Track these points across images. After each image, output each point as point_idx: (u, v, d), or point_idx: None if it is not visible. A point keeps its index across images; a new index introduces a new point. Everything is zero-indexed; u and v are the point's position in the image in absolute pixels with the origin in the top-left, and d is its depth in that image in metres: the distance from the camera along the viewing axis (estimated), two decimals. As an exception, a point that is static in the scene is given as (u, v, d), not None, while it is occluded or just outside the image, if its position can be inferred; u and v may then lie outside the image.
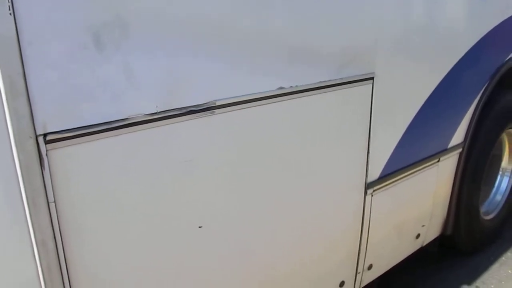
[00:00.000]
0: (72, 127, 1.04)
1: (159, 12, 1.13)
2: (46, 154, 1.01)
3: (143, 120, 1.15)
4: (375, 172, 1.92)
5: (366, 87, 1.74)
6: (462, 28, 2.27)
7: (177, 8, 1.16)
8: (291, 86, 1.46)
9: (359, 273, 2.05)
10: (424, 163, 2.22)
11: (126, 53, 1.09)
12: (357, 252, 2.00)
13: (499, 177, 3.15)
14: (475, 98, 2.46)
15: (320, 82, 1.55)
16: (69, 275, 1.10)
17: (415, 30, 1.95)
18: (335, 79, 1.60)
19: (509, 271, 2.83)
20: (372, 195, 1.93)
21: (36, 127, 0.98)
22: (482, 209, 2.97)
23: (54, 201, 1.04)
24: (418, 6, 1.97)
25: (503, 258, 2.98)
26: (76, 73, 1.03)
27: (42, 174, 1.01)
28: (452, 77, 2.22)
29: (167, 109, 1.19)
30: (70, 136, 1.04)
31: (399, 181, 2.08)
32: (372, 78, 1.75)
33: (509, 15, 2.55)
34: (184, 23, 1.18)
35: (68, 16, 0.99)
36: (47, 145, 1.00)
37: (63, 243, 1.07)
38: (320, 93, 1.56)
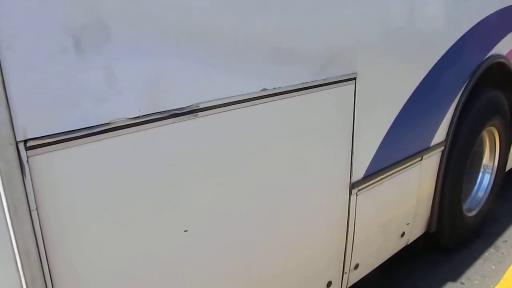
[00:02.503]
0: (54, 133, 1.02)
1: (141, 15, 1.12)
2: (27, 161, 0.99)
3: (126, 125, 1.13)
4: (359, 172, 1.93)
5: (348, 87, 1.75)
6: (442, 27, 2.30)
7: (159, 11, 1.15)
8: (274, 88, 1.46)
9: (346, 273, 2.06)
10: (407, 162, 2.24)
11: (108, 57, 1.08)
12: (344, 252, 2.00)
13: (480, 174, 3.19)
14: (456, 96, 2.50)
15: (303, 83, 1.55)
16: (54, 285, 1.08)
17: (396, 29, 1.97)
18: (318, 80, 1.60)
19: (493, 267, 2.87)
20: (357, 195, 1.94)
21: (16, 133, 0.96)
22: (465, 206, 3.01)
23: (36, 209, 1.02)
24: (399, 6, 1.99)
25: (486, 254, 3.02)
26: (56, 78, 1.01)
27: (24, 181, 0.99)
28: (434, 75, 2.25)
29: (150, 112, 1.18)
30: (52, 142, 1.02)
31: (383, 180, 2.10)
32: (355, 78, 1.76)
33: (487, 14, 2.59)
34: (166, 26, 1.17)
35: (47, 20, 0.98)
36: (28, 151, 0.98)
37: (47, 252, 1.05)
38: (303, 94, 1.56)
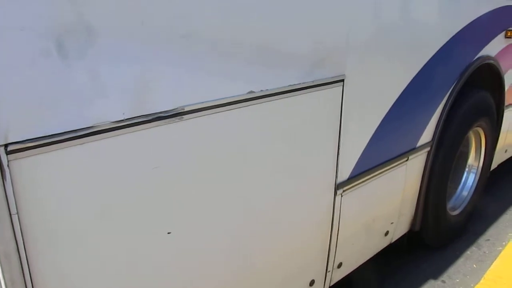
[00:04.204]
0: (35, 137, 1.01)
1: (125, 18, 1.11)
2: (8, 165, 0.98)
3: (109, 128, 1.13)
4: (345, 173, 1.94)
5: (336, 89, 1.75)
6: (432, 29, 2.30)
7: (143, 14, 1.14)
8: (261, 90, 1.46)
9: (329, 271, 2.08)
10: (393, 163, 2.26)
11: (91, 60, 1.06)
12: (327, 251, 2.02)
13: (465, 173, 3.23)
14: (444, 97, 2.51)
15: (290, 85, 1.55)
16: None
17: (384, 31, 1.96)
18: (306, 82, 1.60)
19: (474, 266, 2.91)
20: (342, 195, 1.95)
21: (-4, 137, 0.95)
22: (449, 204, 3.05)
23: (17, 213, 1.01)
24: (387, 7, 1.98)
25: (468, 252, 3.06)
26: (38, 81, 0.99)
27: (4, 185, 0.98)
28: (422, 77, 2.25)
29: (135, 116, 1.17)
30: (33, 146, 1.01)
31: (369, 180, 2.11)
32: (343, 80, 1.75)
33: (477, 16, 2.60)
34: (151, 29, 1.16)
35: (29, 22, 0.96)
36: (8, 155, 0.97)
37: (27, 256, 1.05)
38: (290, 96, 1.56)
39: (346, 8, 1.72)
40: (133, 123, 1.17)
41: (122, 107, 1.14)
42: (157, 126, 1.22)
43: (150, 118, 1.20)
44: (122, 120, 1.15)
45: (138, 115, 1.17)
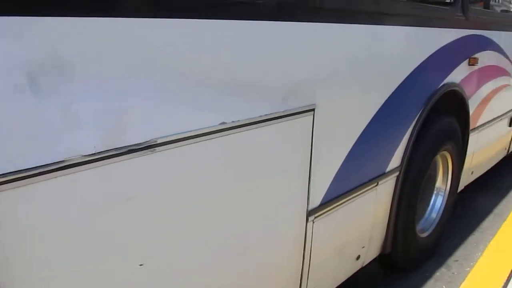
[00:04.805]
0: (4, 172, 1.00)
1: (96, 52, 1.12)
2: (-26, 202, 0.96)
3: (80, 162, 1.12)
4: (316, 200, 1.96)
5: (307, 118, 1.78)
6: (399, 58, 2.39)
7: (114, 47, 1.15)
8: (233, 121, 1.48)
9: (301, 297, 2.09)
10: (363, 188, 2.30)
11: (63, 94, 1.07)
12: (300, 277, 2.03)
13: (433, 196, 3.31)
14: (411, 123, 2.58)
15: (261, 116, 1.57)
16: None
17: (353, 61, 2.02)
18: (277, 112, 1.63)
19: (444, 287, 2.96)
20: (313, 222, 1.98)
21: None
22: (418, 227, 3.11)
23: (-16, 250, 0.99)
24: (356, 37, 2.05)
25: (438, 273, 3.11)
26: (8, 115, 0.99)
27: (-29, 222, 0.96)
28: (390, 104, 2.32)
29: (106, 149, 1.17)
30: (2, 182, 1.00)
31: (340, 206, 2.14)
32: (313, 109, 1.79)
33: (442, 45, 2.70)
34: (122, 62, 1.17)
35: (1, 57, 0.96)
36: (-25, 192, 0.96)
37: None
38: (262, 126, 1.59)
39: (316, 40, 1.77)
40: (104, 156, 1.17)
41: (94, 140, 1.14)
42: (130, 158, 1.22)
43: (122, 151, 1.20)
44: (94, 153, 1.15)
45: (110, 148, 1.18)
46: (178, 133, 1.33)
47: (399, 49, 2.38)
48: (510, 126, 4.52)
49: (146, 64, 1.23)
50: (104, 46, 1.13)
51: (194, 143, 1.38)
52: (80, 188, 1.15)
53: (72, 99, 1.08)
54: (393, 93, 2.33)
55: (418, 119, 2.62)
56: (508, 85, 4.13)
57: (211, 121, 1.42)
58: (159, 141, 1.28)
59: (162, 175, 1.33)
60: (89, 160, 1.14)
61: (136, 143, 1.23)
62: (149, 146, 1.26)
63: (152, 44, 1.24)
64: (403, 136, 2.54)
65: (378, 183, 2.42)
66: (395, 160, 2.53)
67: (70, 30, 1.07)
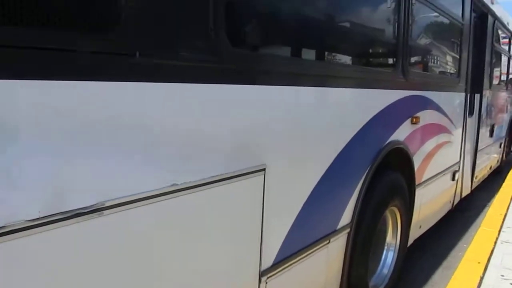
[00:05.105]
0: None
1: (41, 115, 1.11)
2: None
3: (23, 227, 1.08)
4: (268, 260, 1.95)
5: (258, 178, 1.81)
6: (346, 118, 2.48)
7: (62, 109, 1.15)
8: (184, 182, 1.48)
9: None
10: (315, 246, 2.31)
11: (6, 158, 1.04)
12: None
13: (385, 251, 3.36)
14: (360, 180, 2.66)
15: (213, 176, 1.58)
16: None
17: (301, 122, 2.09)
18: (228, 173, 1.64)
19: None
20: (266, 282, 1.95)
21: None
22: (371, 283, 3.12)
23: None
24: (305, 99, 2.13)
25: (391, 330, 3.11)
26: None
27: None
28: (338, 162, 2.39)
29: (51, 213, 1.13)
30: None
31: (293, 265, 2.13)
32: (264, 170, 1.82)
33: (385, 105, 2.84)
34: (68, 125, 1.16)
35: None
36: None
37: None
38: (213, 186, 1.59)
39: (265, 102, 1.82)
40: (49, 221, 1.13)
41: (38, 204, 1.11)
42: (76, 223, 1.19)
43: (67, 215, 1.17)
44: (38, 218, 1.11)
45: (55, 213, 1.14)
46: (127, 196, 1.31)
47: (346, 109, 2.48)
48: (453, 180, 4.72)
49: (94, 127, 1.22)
50: (50, 110, 1.12)
51: (144, 205, 1.36)
52: (22, 255, 1.10)
53: (15, 163, 1.06)
54: (341, 151, 2.41)
55: (366, 176, 2.70)
56: (449, 141, 4.36)
57: (162, 183, 1.41)
58: (107, 204, 1.25)
59: (111, 238, 1.29)
60: (32, 225, 1.10)
61: (82, 206, 1.20)
62: (96, 210, 1.23)
63: (100, 106, 1.24)
64: (352, 193, 2.60)
65: (330, 240, 2.44)
66: (346, 217, 2.57)
67: (12, 93, 1.05)
